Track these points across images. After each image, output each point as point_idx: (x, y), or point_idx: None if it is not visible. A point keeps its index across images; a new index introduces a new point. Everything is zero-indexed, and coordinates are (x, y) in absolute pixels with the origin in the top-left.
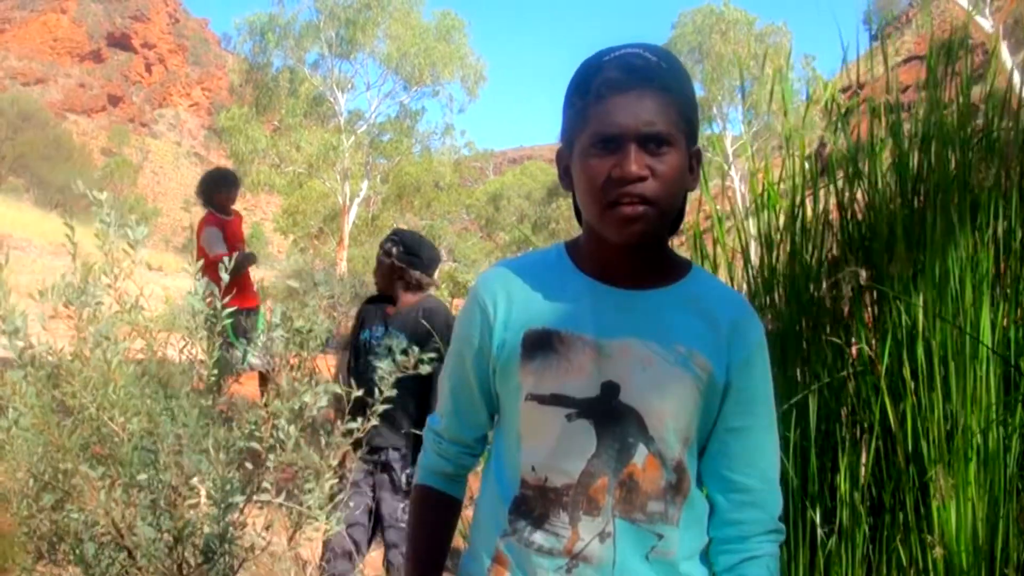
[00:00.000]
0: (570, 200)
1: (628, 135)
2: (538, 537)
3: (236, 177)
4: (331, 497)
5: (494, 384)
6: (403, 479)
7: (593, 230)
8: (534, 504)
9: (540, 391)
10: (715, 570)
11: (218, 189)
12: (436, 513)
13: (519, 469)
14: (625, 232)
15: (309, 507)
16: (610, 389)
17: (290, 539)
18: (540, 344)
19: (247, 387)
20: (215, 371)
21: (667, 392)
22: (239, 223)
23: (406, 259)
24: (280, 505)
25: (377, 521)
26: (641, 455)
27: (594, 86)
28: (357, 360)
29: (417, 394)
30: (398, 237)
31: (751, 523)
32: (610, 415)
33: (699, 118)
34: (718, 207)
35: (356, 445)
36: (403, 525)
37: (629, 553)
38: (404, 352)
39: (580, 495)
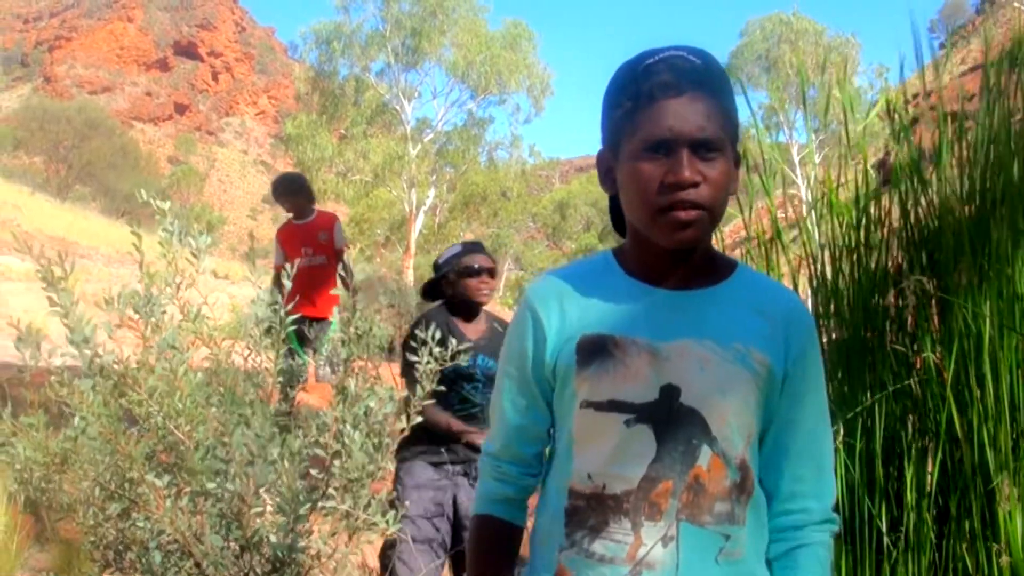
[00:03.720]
0: None
1: (682, 140)
2: (598, 547)
3: (286, 182)
4: (391, 503)
5: (551, 394)
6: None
7: (640, 235)
8: (588, 513)
9: (596, 397)
10: (768, 558)
11: (281, 197)
12: (497, 543)
13: (569, 479)
14: (677, 237)
15: (370, 513)
16: (670, 392)
17: (348, 540)
18: (595, 350)
19: (311, 396)
20: (280, 379)
21: (728, 391)
22: (315, 225)
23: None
24: (347, 513)
25: (456, 523)
26: (705, 456)
27: (644, 89)
28: (450, 388)
29: None
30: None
31: (805, 513)
32: (671, 418)
33: (739, 125)
34: (784, 215)
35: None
36: None
37: (695, 556)
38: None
39: (641, 500)
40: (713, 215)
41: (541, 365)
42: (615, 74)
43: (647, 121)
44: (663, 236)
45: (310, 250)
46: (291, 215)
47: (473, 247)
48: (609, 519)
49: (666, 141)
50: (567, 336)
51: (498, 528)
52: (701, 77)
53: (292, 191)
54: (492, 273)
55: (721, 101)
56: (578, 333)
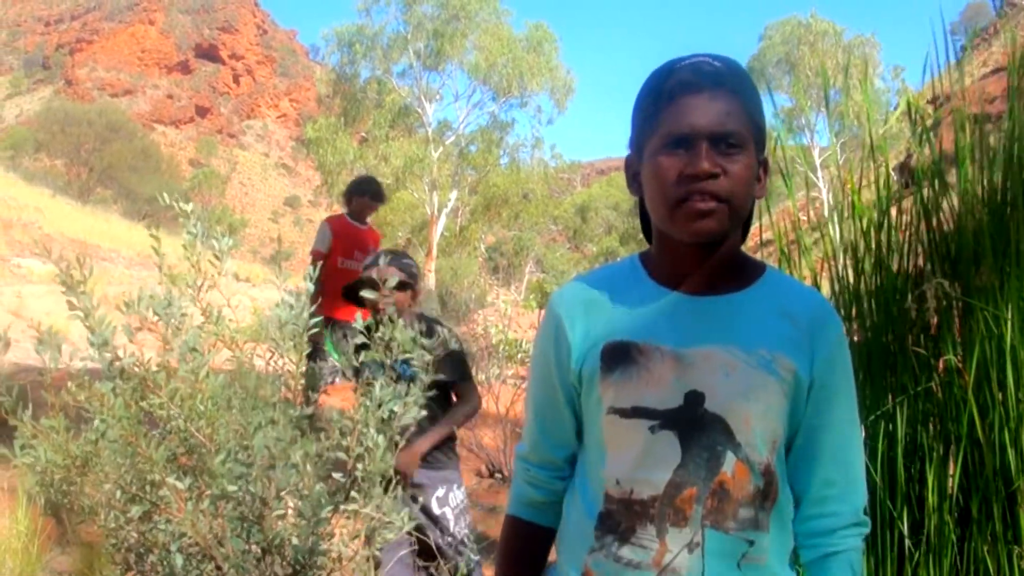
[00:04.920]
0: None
1: (700, 134)
2: (626, 551)
3: (375, 189)
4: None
5: (577, 399)
6: (434, 504)
7: (664, 236)
8: (619, 518)
9: (621, 404)
10: (801, 563)
11: (358, 194)
12: (526, 545)
13: (603, 484)
14: (695, 227)
15: (385, 512)
16: (694, 398)
17: (367, 543)
18: (619, 357)
19: (333, 398)
20: (302, 382)
21: (753, 397)
22: (369, 236)
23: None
24: (370, 517)
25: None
26: (730, 462)
27: (666, 89)
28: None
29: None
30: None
31: (835, 517)
32: (695, 424)
33: (766, 130)
34: (804, 217)
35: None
36: (460, 546)
37: (719, 562)
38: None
39: (666, 507)
40: (733, 208)
41: (566, 371)
42: (645, 81)
43: (668, 118)
44: (681, 228)
45: (361, 255)
46: (348, 213)
47: (375, 260)
48: (636, 524)
49: (686, 136)
50: (592, 342)
51: (525, 531)
52: (722, 78)
53: (376, 194)
54: (399, 286)
55: (743, 101)
56: (603, 339)
